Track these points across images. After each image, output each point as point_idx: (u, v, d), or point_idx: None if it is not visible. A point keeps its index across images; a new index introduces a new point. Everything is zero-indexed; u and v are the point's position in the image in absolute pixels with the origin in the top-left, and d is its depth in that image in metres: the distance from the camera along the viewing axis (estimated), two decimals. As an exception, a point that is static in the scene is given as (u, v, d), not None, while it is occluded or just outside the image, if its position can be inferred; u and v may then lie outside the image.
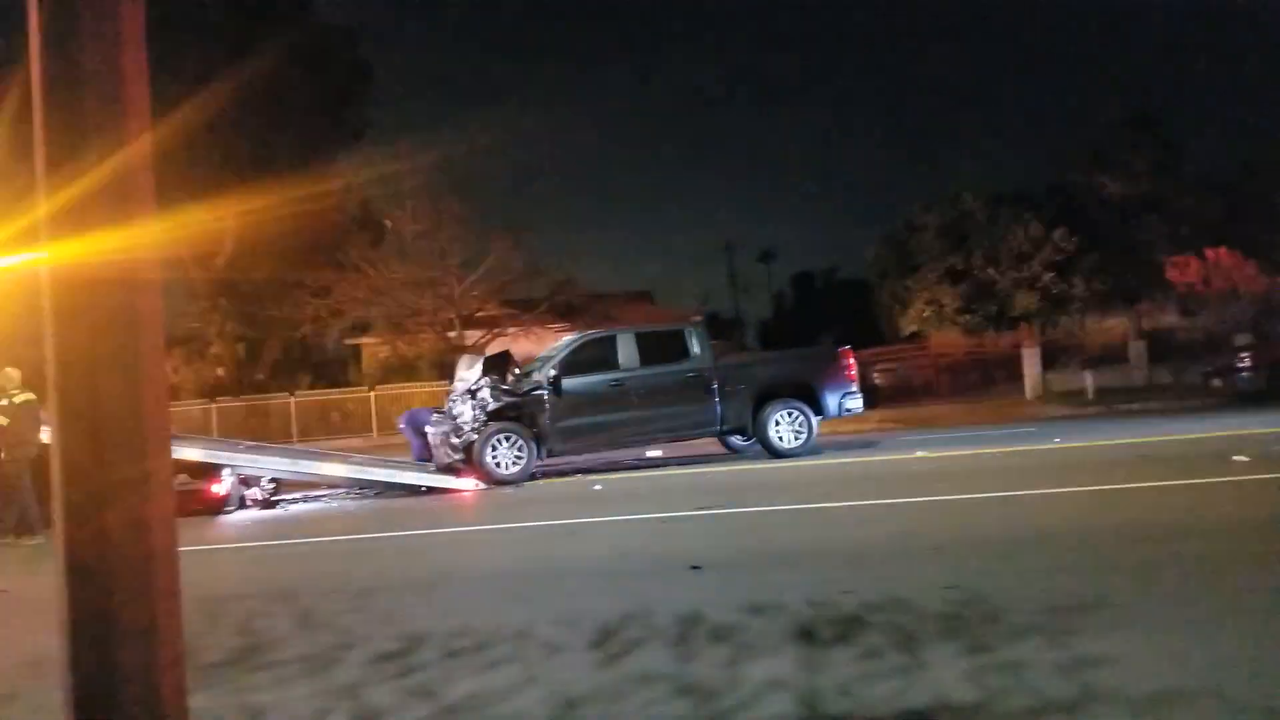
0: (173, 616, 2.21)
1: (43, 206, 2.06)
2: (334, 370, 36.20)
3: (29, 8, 2.05)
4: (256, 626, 5.40)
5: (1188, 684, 3.47)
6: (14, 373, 10.66)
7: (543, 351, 16.51)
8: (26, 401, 10.50)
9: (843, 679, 3.72)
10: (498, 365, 14.08)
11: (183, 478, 11.85)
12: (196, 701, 2.39)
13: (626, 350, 13.96)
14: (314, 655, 4.65)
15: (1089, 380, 24.86)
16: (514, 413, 13.48)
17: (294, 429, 29.76)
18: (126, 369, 2.09)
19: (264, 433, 28.14)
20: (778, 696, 3.58)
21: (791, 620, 4.61)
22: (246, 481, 12.60)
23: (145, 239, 2.14)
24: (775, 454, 13.88)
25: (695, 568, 6.12)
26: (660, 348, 14.22)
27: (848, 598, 4.98)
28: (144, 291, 2.16)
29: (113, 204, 2.07)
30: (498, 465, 13.11)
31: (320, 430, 29.74)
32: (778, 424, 13.97)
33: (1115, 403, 22.85)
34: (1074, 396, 24.63)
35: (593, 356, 13.97)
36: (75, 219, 2.05)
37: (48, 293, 2.07)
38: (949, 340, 30.78)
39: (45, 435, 9.33)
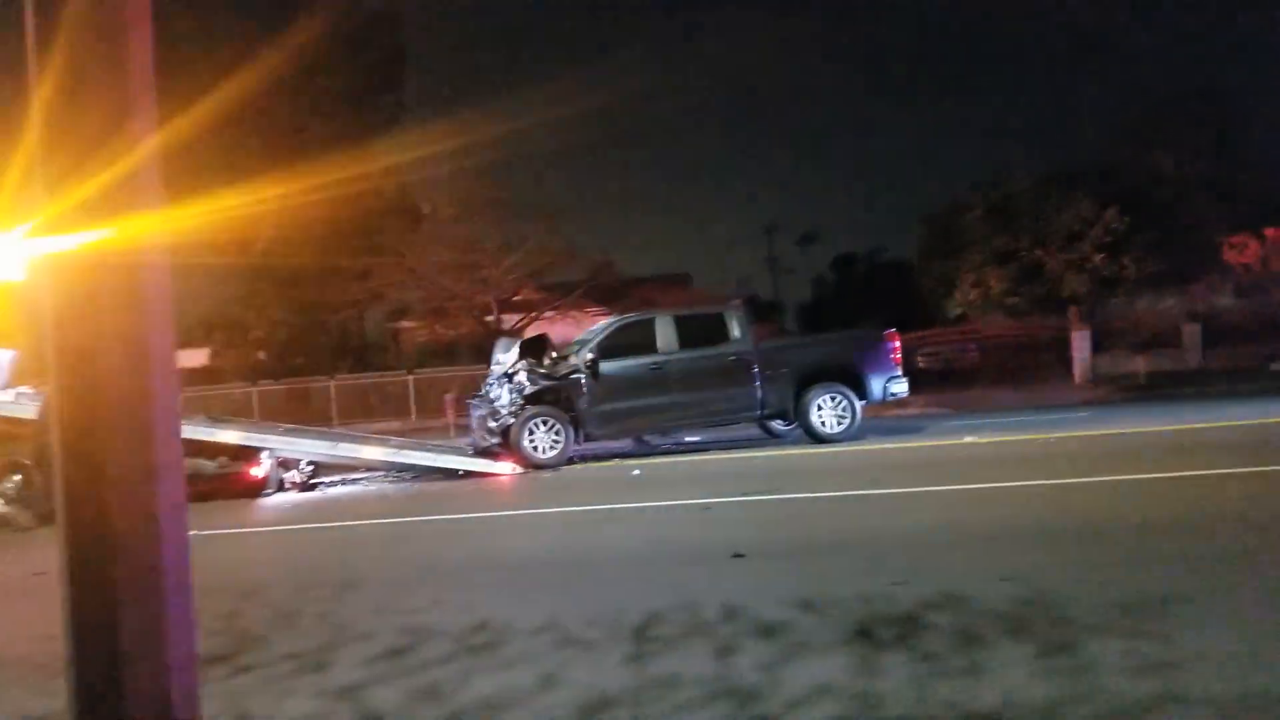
0: (184, 614, 2.04)
1: (42, 187, 1.92)
2: (373, 354, 36.39)
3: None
4: (261, 616, 5.29)
5: (1275, 687, 3.22)
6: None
7: (580, 335, 16.36)
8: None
9: (899, 681, 3.51)
10: (535, 349, 13.96)
11: (222, 460, 11.86)
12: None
13: (665, 333, 13.76)
14: (332, 646, 4.52)
15: (1141, 364, 24.26)
16: (551, 396, 13.36)
17: (334, 412, 29.92)
18: (132, 354, 1.95)
19: (304, 416, 28.33)
20: (827, 700, 3.37)
21: (841, 615, 4.41)
22: (285, 464, 12.61)
23: (152, 219, 1.99)
24: (818, 439, 13.65)
25: (738, 555, 5.94)
26: (700, 331, 13.99)
27: (900, 589, 4.76)
28: (151, 273, 2.01)
29: (117, 183, 1.93)
30: (535, 449, 12.99)
31: (360, 413, 29.87)
32: (820, 409, 13.72)
33: (1168, 387, 22.32)
34: (1125, 380, 24.09)
35: (631, 340, 13.79)
36: (77, 200, 1.91)
37: (49, 276, 1.94)
38: (996, 323, 30.22)
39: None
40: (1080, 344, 26.30)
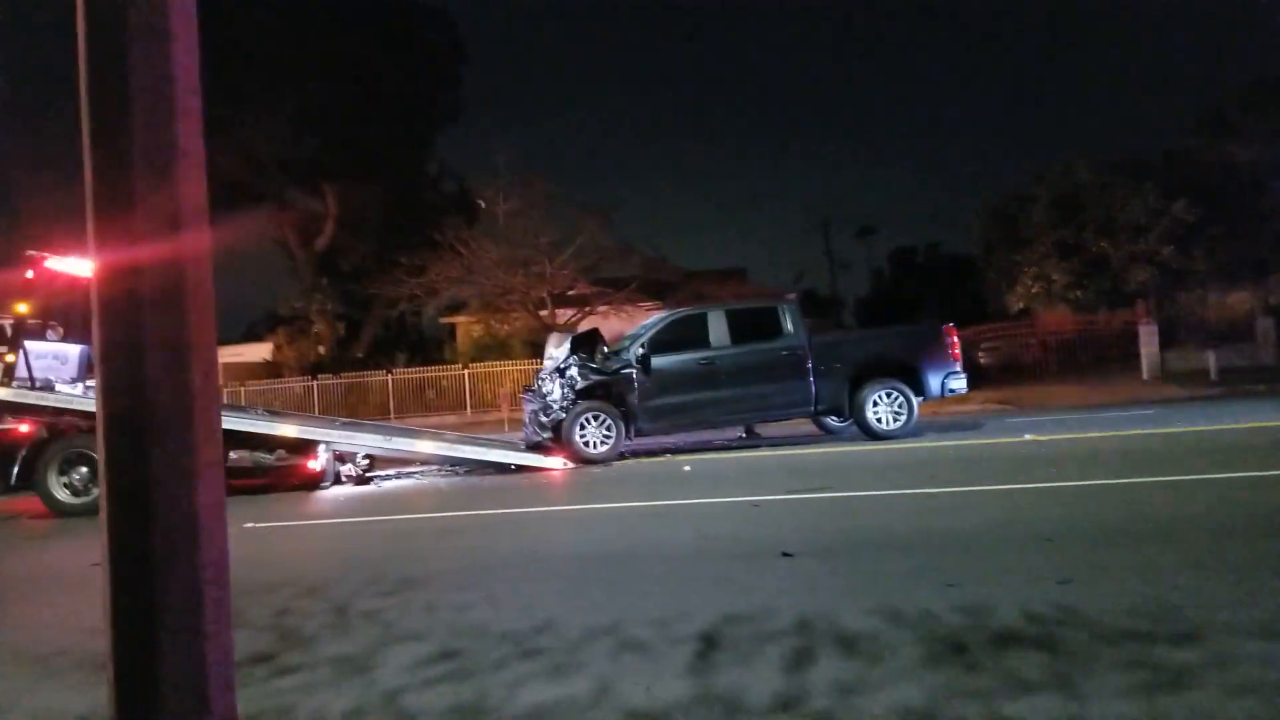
0: (220, 609, 2.07)
1: (92, 196, 1.96)
2: (430, 348, 36.79)
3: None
4: (311, 612, 5.36)
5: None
6: None
7: (632, 329, 16.37)
8: None
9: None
10: (586, 343, 14.00)
11: (280, 453, 12.08)
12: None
13: (717, 328, 13.70)
14: (376, 646, 4.57)
15: (1211, 359, 23.56)
16: (603, 391, 13.39)
17: (391, 406, 30.31)
18: (173, 351, 1.97)
19: (362, 409, 28.79)
20: (882, 708, 3.33)
21: (882, 615, 4.34)
22: (342, 458, 12.81)
23: (195, 225, 2.02)
24: (873, 436, 13.51)
25: (786, 554, 5.89)
26: (752, 325, 13.92)
27: (953, 591, 4.69)
28: (193, 272, 2.04)
29: (162, 193, 1.95)
30: (586, 444, 13.04)
31: (416, 407, 30.26)
32: (876, 404, 13.59)
33: (1240, 383, 21.65)
34: (1195, 376, 23.42)
35: (682, 334, 13.76)
36: (122, 202, 1.93)
37: (94, 276, 1.97)
38: (1059, 317, 29.58)
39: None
40: (1147, 339, 25.64)
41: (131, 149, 1.94)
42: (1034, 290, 29.02)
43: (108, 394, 1.95)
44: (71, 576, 7.35)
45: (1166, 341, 26.06)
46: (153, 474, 1.96)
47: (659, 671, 3.82)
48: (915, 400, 13.68)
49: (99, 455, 1.99)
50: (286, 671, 4.18)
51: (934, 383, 13.84)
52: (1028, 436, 12.80)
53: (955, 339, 14.19)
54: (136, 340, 1.95)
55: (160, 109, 1.97)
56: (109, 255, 1.94)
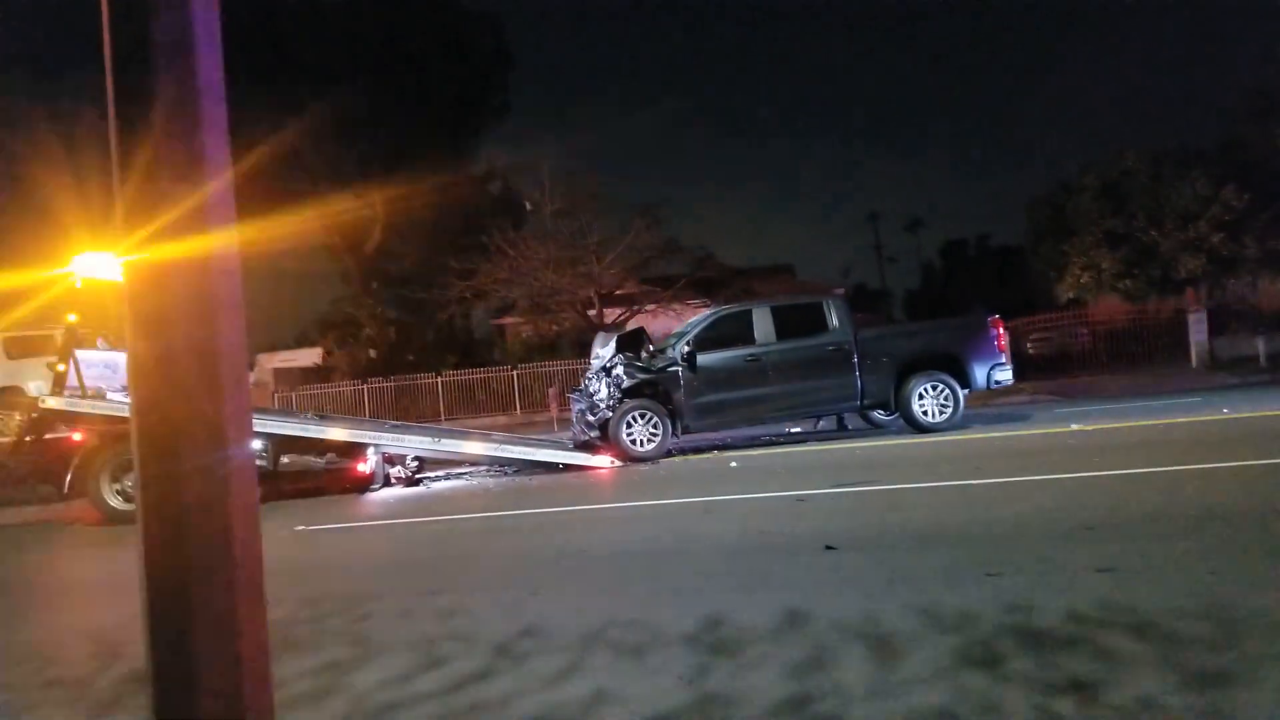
0: (255, 609, 2.12)
1: (120, 205, 2.02)
2: (480, 350, 37.07)
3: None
4: (362, 612, 5.45)
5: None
6: None
7: (678, 327, 16.37)
8: None
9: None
10: (632, 342, 14.04)
11: (330, 456, 12.26)
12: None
13: (763, 325, 13.67)
14: (422, 643, 4.65)
15: (1261, 346, 23.03)
16: (649, 390, 13.42)
17: (441, 408, 30.61)
18: (203, 356, 2.03)
19: (413, 412, 29.10)
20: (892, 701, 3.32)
21: (925, 609, 4.33)
22: (391, 460, 12.96)
23: (224, 232, 2.07)
24: (919, 429, 13.41)
25: (829, 548, 5.89)
26: (798, 321, 13.86)
27: (993, 581, 4.66)
28: (223, 276, 2.09)
29: (190, 202, 2.01)
30: (633, 442, 13.08)
31: (466, 409, 30.52)
32: (921, 397, 13.48)
33: (1292, 370, 21.18)
34: (1245, 364, 22.92)
35: (728, 332, 13.75)
36: (150, 207, 1.99)
37: (125, 283, 2.03)
38: (1109, 307, 29.10)
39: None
40: (1197, 327, 25.13)
41: (158, 160, 2.00)
42: (1083, 280, 28.58)
43: (140, 404, 2.01)
44: (127, 581, 7.53)
45: (1217, 329, 25.52)
46: (185, 482, 2.02)
47: (704, 666, 3.85)
48: (961, 392, 13.55)
49: (135, 464, 2.05)
50: (328, 668, 4.27)
51: (979, 374, 13.70)
52: (1074, 427, 12.62)
53: (1001, 330, 14.02)
54: (167, 349, 2.00)
55: (186, 119, 2.03)
56: (138, 265, 2.00)
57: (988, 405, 18.11)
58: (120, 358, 12.62)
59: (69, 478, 11.39)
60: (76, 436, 11.58)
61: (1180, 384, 20.67)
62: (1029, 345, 27.76)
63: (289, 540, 8.71)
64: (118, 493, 11.46)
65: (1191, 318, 25.35)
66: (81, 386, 11.79)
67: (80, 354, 12.04)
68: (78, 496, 11.65)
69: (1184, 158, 27.78)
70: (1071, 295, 29.81)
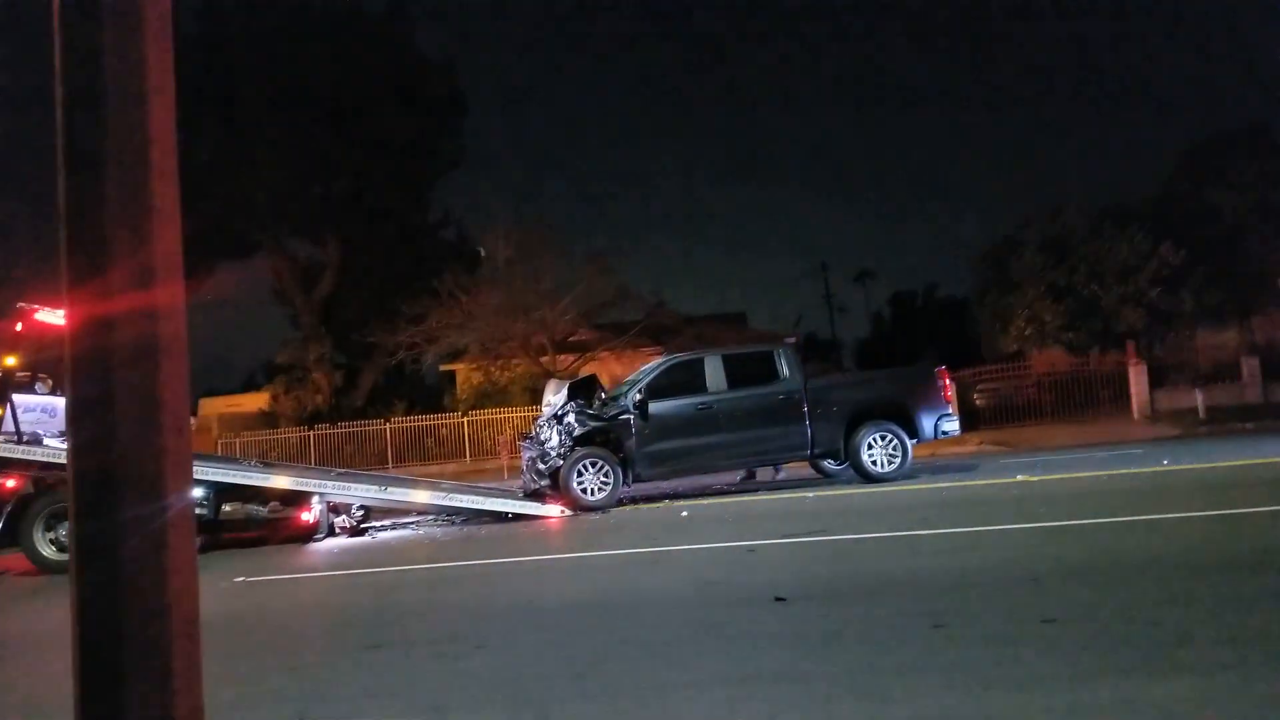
0: (191, 664, 2.07)
1: (64, 242, 1.98)
2: (430, 396, 36.74)
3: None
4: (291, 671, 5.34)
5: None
6: None
7: (630, 375, 16.38)
8: None
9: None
10: (584, 390, 14.00)
11: (274, 505, 12.02)
12: None
13: (714, 373, 13.72)
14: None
15: (1200, 399, 23.61)
16: (600, 438, 13.37)
17: (389, 455, 30.23)
18: (144, 401, 1.99)
19: (360, 459, 28.69)
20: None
21: (875, 658, 4.33)
22: (336, 509, 12.74)
23: (169, 276, 2.04)
24: (869, 478, 13.49)
25: (780, 599, 5.88)
26: (749, 370, 13.95)
27: (938, 633, 4.68)
28: (167, 321, 2.06)
29: (134, 241, 1.98)
30: (584, 491, 12.99)
31: (415, 456, 30.15)
32: (871, 447, 13.57)
33: (1229, 422, 21.71)
34: (1184, 416, 23.46)
35: (679, 380, 13.78)
36: (96, 254, 1.96)
37: (68, 332, 1.99)
38: (1052, 359, 29.69)
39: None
40: (1137, 379, 25.72)
41: (105, 208, 1.97)
42: (1027, 332, 29.15)
43: (78, 449, 1.97)
44: (58, 636, 7.29)
45: (1156, 381, 26.14)
46: (122, 530, 1.97)
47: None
48: (909, 442, 13.67)
49: (70, 510, 2.00)
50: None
51: (927, 425, 13.84)
52: (1019, 478, 12.79)
53: (947, 381, 14.20)
54: (108, 395, 1.96)
55: (136, 169, 2.00)
56: (81, 311, 1.97)
57: (935, 455, 18.28)
58: (59, 402, 12.31)
59: (0, 526, 11.04)
60: (10, 484, 11.24)
61: (1123, 435, 21.06)
62: (975, 396, 28.15)
63: (229, 592, 8.50)
64: (51, 542, 11.07)
65: (1132, 370, 25.94)
66: (17, 431, 11.46)
67: (17, 398, 11.72)
68: (9, 546, 11.29)
69: (1122, 214, 28.63)
70: (1016, 347, 30.36)
